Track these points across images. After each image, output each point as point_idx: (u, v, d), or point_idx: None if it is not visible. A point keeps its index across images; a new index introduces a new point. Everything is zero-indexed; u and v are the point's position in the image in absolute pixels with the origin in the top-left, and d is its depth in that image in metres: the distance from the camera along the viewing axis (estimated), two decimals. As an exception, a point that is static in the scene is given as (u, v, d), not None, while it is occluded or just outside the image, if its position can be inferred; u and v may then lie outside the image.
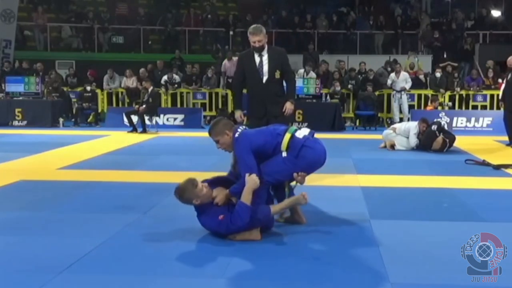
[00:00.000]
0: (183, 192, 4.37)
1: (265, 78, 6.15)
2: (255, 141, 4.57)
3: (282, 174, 4.61)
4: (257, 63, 6.14)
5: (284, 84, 6.41)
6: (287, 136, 4.60)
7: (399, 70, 15.37)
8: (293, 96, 6.57)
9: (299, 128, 4.81)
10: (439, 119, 10.71)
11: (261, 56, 6.14)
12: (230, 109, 16.19)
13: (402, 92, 15.11)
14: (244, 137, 4.57)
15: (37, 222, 4.93)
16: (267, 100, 6.17)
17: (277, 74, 6.18)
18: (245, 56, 6.35)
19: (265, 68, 6.13)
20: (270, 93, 6.17)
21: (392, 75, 15.38)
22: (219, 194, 4.47)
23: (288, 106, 6.19)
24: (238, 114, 6.35)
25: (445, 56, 19.16)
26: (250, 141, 4.54)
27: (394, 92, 15.20)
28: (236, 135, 4.59)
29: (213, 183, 4.58)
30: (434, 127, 9.92)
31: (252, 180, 4.37)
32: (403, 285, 3.51)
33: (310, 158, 4.66)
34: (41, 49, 20.11)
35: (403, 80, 15.18)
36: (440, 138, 9.78)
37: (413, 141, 10.03)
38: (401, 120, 14.36)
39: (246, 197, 4.33)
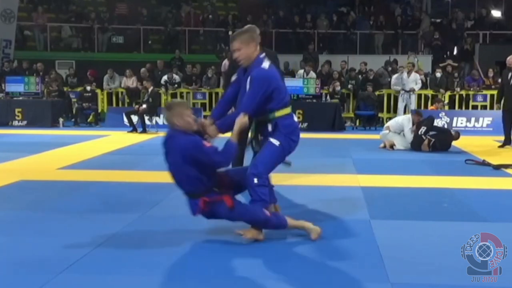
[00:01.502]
0: (175, 105, 4.30)
1: None
2: (276, 83, 4.35)
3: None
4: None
5: None
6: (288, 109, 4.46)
7: (411, 70, 15.27)
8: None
9: None
10: (432, 117, 10.68)
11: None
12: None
13: (411, 93, 15.06)
14: (271, 73, 4.32)
15: (37, 222, 4.93)
16: None
17: None
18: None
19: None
20: None
21: (404, 74, 15.24)
22: (210, 127, 4.33)
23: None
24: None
25: (447, 55, 19.19)
26: (271, 81, 4.30)
27: (403, 92, 15.11)
28: (265, 62, 4.34)
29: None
30: (422, 130, 9.95)
31: (243, 123, 4.27)
32: (403, 285, 3.51)
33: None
34: (41, 49, 20.10)
35: (414, 80, 15.10)
36: (426, 141, 9.84)
37: (409, 136, 10.07)
38: None
39: (234, 138, 4.27)
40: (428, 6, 22.63)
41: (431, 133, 9.97)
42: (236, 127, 4.28)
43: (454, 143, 10.15)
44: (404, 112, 14.99)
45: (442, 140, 9.92)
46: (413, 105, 15.10)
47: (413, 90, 15.07)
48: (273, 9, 21.94)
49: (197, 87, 16.50)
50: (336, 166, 8.07)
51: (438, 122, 13.99)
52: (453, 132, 10.47)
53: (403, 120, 10.41)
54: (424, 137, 9.90)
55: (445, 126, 13.60)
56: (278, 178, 6.79)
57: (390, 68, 16.90)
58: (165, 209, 5.39)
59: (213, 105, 16.22)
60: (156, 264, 3.84)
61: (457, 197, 6.13)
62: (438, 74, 15.99)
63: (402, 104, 15.16)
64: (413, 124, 10.12)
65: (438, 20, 21.14)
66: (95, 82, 16.08)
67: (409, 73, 15.15)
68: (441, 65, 17.23)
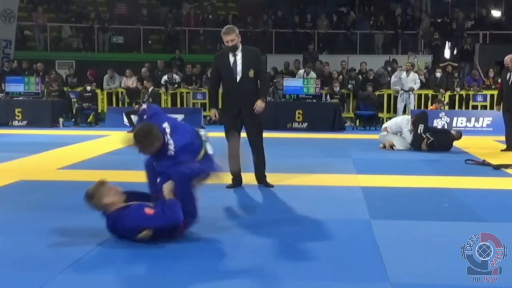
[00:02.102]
0: (93, 194, 4.23)
1: (238, 77, 6.27)
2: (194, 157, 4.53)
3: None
4: (231, 63, 6.27)
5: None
6: (202, 152, 4.62)
7: (410, 70, 15.29)
8: (265, 94, 6.69)
9: (208, 141, 4.84)
10: (425, 112, 10.72)
11: (235, 55, 6.27)
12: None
13: (410, 92, 15.07)
14: (191, 170, 4.37)
15: (37, 222, 4.93)
16: (241, 99, 6.27)
17: (251, 73, 6.28)
18: (220, 56, 6.47)
19: (239, 67, 6.25)
20: (244, 92, 6.28)
21: (403, 74, 15.26)
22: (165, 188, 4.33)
23: (259, 104, 6.29)
24: (213, 112, 6.61)
25: (447, 55, 19.19)
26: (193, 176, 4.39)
27: (402, 91, 15.13)
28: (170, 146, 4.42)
29: (129, 194, 4.46)
30: (420, 129, 9.95)
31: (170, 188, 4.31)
32: (403, 285, 3.51)
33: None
34: (41, 49, 20.10)
35: (412, 80, 15.12)
36: (425, 140, 9.87)
37: (408, 136, 10.07)
38: None
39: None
40: (428, 6, 22.61)
41: (430, 132, 9.99)
42: (166, 192, 4.29)
43: (454, 143, 10.15)
44: (404, 112, 15.02)
45: (441, 140, 9.91)
46: (412, 105, 15.11)
47: (412, 90, 15.07)
48: (273, 9, 21.93)
49: (197, 87, 16.50)
50: (336, 166, 8.07)
51: (438, 122, 14.02)
52: (454, 132, 10.48)
53: (401, 121, 10.41)
54: (423, 136, 9.90)
55: (445, 126, 13.61)
56: (278, 178, 6.82)
57: (390, 68, 16.90)
58: (165, 209, 5.37)
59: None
60: (156, 264, 3.84)
61: (457, 197, 6.14)
62: (438, 74, 15.99)
63: (402, 104, 15.17)
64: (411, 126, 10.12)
65: (439, 20, 21.13)
66: (95, 82, 16.08)
67: (407, 72, 15.16)
68: (441, 65, 17.23)
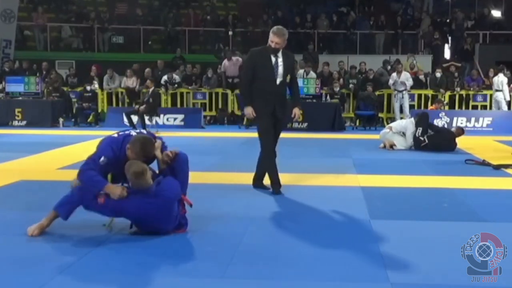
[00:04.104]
0: (143, 171, 4.35)
1: (279, 80, 6.10)
2: None
3: None
4: (273, 63, 6.10)
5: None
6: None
7: (401, 70, 15.34)
8: (300, 101, 6.67)
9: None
10: (425, 113, 10.77)
11: (276, 57, 6.10)
12: (230, 109, 16.20)
13: (404, 92, 15.10)
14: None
15: (36, 222, 4.91)
16: (277, 101, 6.12)
17: (288, 78, 6.18)
18: (259, 54, 6.23)
19: (280, 70, 6.10)
20: (279, 95, 6.16)
21: (394, 74, 15.33)
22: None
23: (297, 112, 6.27)
24: (250, 110, 6.19)
25: (447, 55, 19.19)
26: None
27: (396, 92, 15.18)
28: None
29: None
30: (418, 132, 9.99)
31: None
32: (403, 285, 3.51)
33: None
34: (41, 49, 20.09)
35: (405, 79, 15.16)
36: (422, 143, 9.92)
37: (410, 140, 10.10)
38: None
39: None
40: (430, 6, 22.60)
41: (428, 134, 10.00)
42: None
43: (458, 143, 10.18)
44: (400, 112, 15.06)
45: (436, 141, 9.93)
46: (406, 104, 15.13)
47: (405, 89, 15.09)
48: (273, 9, 21.93)
49: (197, 87, 16.49)
50: (336, 166, 8.07)
51: (438, 122, 14.01)
52: (454, 129, 10.52)
53: (406, 123, 10.43)
54: (422, 138, 9.96)
55: (445, 126, 13.60)
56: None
57: (389, 67, 16.90)
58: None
59: (213, 105, 16.25)
60: (155, 263, 3.84)
61: (457, 197, 6.14)
62: (438, 74, 15.99)
63: (397, 104, 15.23)
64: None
65: (438, 20, 21.13)
66: (98, 78, 16.05)
67: (399, 73, 15.21)
68: (444, 65, 17.23)
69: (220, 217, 5.06)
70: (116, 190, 4.33)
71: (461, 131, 10.33)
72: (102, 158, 4.43)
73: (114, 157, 4.48)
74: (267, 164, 6.25)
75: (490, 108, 15.67)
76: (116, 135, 4.75)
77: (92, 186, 4.37)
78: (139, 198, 4.32)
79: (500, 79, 14.99)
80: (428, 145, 9.88)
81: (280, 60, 6.10)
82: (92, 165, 4.44)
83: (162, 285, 3.52)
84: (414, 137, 10.05)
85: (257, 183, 6.45)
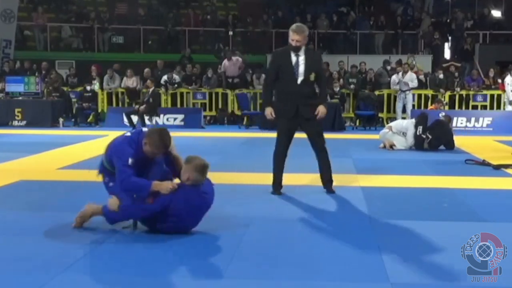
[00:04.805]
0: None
1: (300, 79, 6.00)
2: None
3: None
4: (293, 62, 6.00)
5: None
6: None
7: (407, 70, 15.31)
8: (326, 99, 6.56)
9: None
10: (425, 114, 10.80)
11: (297, 55, 6.00)
12: (230, 109, 16.20)
13: (407, 92, 15.09)
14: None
15: (36, 222, 4.93)
16: (299, 101, 6.02)
17: (312, 77, 6.03)
18: (280, 54, 6.18)
19: (301, 68, 5.98)
20: (302, 95, 6.02)
21: (400, 74, 15.27)
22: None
23: (322, 110, 6.07)
24: (269, 111, 6.14)
25: (447, 55, 19.18)
26: None
27: (400, 91, 15.15)
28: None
29: None
30: (419, 131, 9.99)
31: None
32: (403, 285, 3.51)
33: None
34: (41, 49, 20.09)
35: (409, 80, 15.14)
36: (426, 139, 9.95)
37: (410, 141, 10.10)
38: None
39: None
40: (430, 6, 22.60)
41: (428, 130, 10.03)
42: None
43: (458, 143, 10.21)
44: (403, 112, 15.05)
45: (438, 135, 9.99)
46: (410, 104, 15.12)
47: (409, 89, 15.08)
48: (273, 9, 21.93)
49: (197, 87, 16.50)
50: (336, 166, 8.05)
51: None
52: (443, 118, 10.63)
53: (407, 124, 10.43)
54: (423, 136, 9.96)
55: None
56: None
57: (389, 67, 16.90)
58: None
59: (213, 105, 16.26)
60: (155, 263, 3.84)
61: (457, 197, 6.14)
62: (441, 76, 15.98)
63: (400, 104, 15.20)
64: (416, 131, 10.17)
65: (438, 20, 21.13)
66: (98, 78, 16.06)
67: (404, 73, 15.19)
68: (444, 65, 17.22)
69: (220, 217, 5.06)
70: (163, 185, 4.35)
71: (449, 118, 10.56)
72: (130, 160, 4.35)
73: (136, 155, 4.41)
74: (274, 163, 6.22)
75: (491, 108, 15.68)
76: (128, 134, 4.65)
77: (141, 191, 4.34)
78: (188, 192, 4.37)
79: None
80: (431, 140, 9.90)
81: (301, 58, 5.98)
82: (128, 171, 4.34)
83: (162, 285, 3.52)
84: (415, 136, 10.05)
85: (326, 186, 6.33)
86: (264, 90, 6.48)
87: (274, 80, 6.16)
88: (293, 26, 6.04)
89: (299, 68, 5.98)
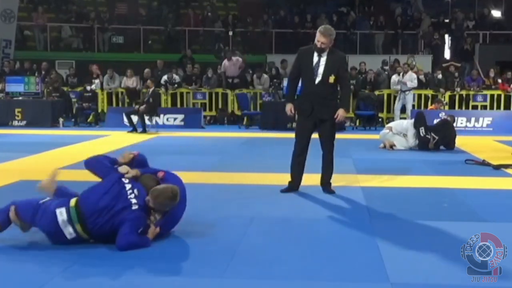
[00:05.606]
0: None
1: (317, 80, 6.02)
2: None
3: None
4: (314, 63, 6.02)
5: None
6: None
7: (407, 70, 15.31)
8: (346, 103, 6.58)
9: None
10: (421, 113, 10.85)
11: (320, 56, 6.01)
12: (230, 109, 16.20)
13: (406, 92, 15.08)
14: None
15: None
16: (315, 101, 6.04)
17: (331, 79, 6.01)
18: (304, 53, 6.19)
19: (320, 69, 6.00)
20: (319, 95, 6.04)
21: (400, 75, 15.29)
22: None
23: (341, 113, 6.06)
24: (289, 107, 6.20)
25: (447, 55, 19.19)
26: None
27: (400, 91, 15.15)
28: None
29: None
30: (422, 131, 10.00)
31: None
32: (403, 285, 3.51)
33: None
34: (41, 49, 20.08)
35: (409, 80, 15.14)
36: (431, 140, 9.96)
37: (411, 141, 10.10)
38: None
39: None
40: (420, 4, 22.54)
41: (432, 131, 10.03)
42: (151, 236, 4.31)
43: (458, 143, 10.21)
44: (403, 112, 15.04)
45: (445, 136, 10.02)
46: (410, 104, 15.11)
47: (409, 89, 15.07)
48: (273, 9, 21.93)
49: (197, 87, 16.50)
50: (336, 166, 8.05)
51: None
52: (448, 118, 10.63)
53: (407, 124, 10.42)
54: (428, 136, 9.94)
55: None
56: (279, 178, 6.81)
57: (386, 67, 16.89)
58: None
59: (213, 105, 16.25)
60: (155, 263, 3.84)
61: (457, 197, 6.14)
62: (440, 76, 15.97)
63: (399, 104, 15.19)
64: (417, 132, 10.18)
65: (438, 20, 21.13)
66: (98, 77, 16.05)
67: (405, 73, 15.18)
68: (444, 65, 17.21)
69: (220, 217, 5.06)
70: (152, 232, 4.30)
71: (453, 118, 10.58)
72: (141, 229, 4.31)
73: (146, 217, 4.35)
74: (291, 163, 6.23)
75: (491, 108, 15.68)
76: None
77: (144, 246, 4.22)
78: (169, 216, 4.40)
79: None
80: (438, 141, 9.93)
81: (323, 59, 6.00)
82: (134, 231, 4.22)
83: (162, 285, 3.52)
84: (419, 137, 10.03)
85: (325, 186, 6.36)
86: (287, 86, 6.56)
87: (296, 77, 6.24)
88: (321, 28, 6.07)
89: (319, 69, 6.01)
